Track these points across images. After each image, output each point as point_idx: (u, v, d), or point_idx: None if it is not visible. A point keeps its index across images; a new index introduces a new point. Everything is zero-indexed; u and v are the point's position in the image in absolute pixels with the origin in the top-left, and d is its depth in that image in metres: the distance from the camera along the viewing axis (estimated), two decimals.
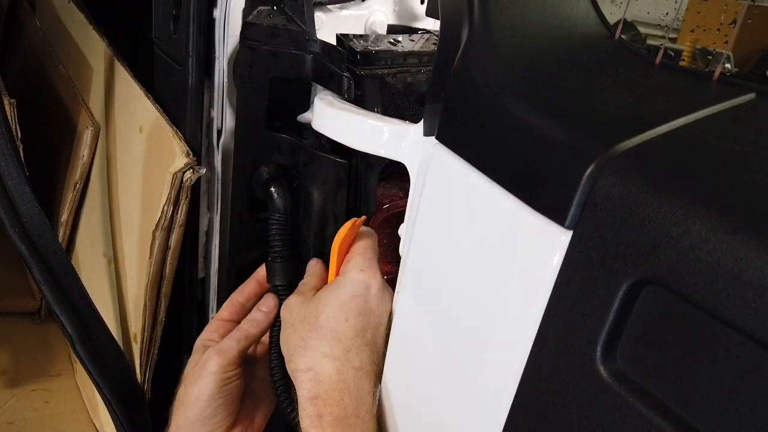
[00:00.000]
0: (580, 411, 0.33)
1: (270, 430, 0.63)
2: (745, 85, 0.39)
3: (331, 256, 0.54)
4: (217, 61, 0.64)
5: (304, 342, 0.50)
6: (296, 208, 0.63)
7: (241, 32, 0.59)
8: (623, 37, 0.47)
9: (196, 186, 0.67)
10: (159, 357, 0.75)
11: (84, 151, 0.88)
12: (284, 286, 0.61)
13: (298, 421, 0.49)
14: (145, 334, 0.72)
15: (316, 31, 0.61)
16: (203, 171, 0.65)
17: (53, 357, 1.01)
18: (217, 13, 0.62)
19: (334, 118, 0.55)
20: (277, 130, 0.62)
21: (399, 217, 0.54)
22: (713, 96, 0.39)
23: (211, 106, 0.67)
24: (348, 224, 0.53)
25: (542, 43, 0.43)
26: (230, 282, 0.70)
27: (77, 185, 0.90)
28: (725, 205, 0.28)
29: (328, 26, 0.67)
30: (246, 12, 0.60)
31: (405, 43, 0.63)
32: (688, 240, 0.28)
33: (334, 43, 0.60)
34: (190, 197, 0.65)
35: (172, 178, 0.63)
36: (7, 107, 0.77)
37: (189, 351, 0.62)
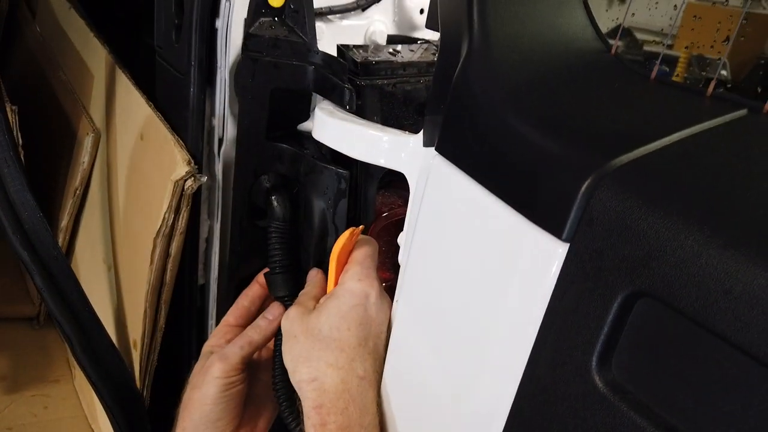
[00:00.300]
0: (576, 420, 0.34)
1: None
2: (737, 101, 0.40)
3: (329, 265, 0.55)
4: (218, 71, 0.64)
5: (309, 353, 0.50)
6: (296, 217, 0.63)
7: (243, 43, 0.60)
8: (620, 43, 0.48)
9: (196, 194, 0.67)
10: (158, 363, 0.75)
11: (84, 158, 0.88)
12: (287, 295, 0.62)
13: (300, 430, 0.50)
14: (145, 340, 0.73)
15: (317, 41, 0.61)
16: (204, 179, 0.65)
17: (52, 362, 1.00)
18: (219, 24, 0.63)
19: (334, 128, 0.55)
20: (278, 140, 0.63)
21: (398, 225, 0.55)
22: (707, 112, 0.40)
23: (212, 114, 0.67)
24: (346, 233, 0.54)
25: (540, 58, 0.44)
26: (230, 289, 0.71)
27: (77, 191, 0.90)
28: (717, 221, 0.29)
29: (328, 36, 0.68)
30: (248, 23, 0.60)
31: (404, 53, 0.63)
32: (681, 254, 0.29)
33: (335, 52, 0.61)
34: (191, 205, 0.66)
35: (174, 185, 0.63)
36: (8, 114, 0.78)
37: (189, 357, 0.63)
